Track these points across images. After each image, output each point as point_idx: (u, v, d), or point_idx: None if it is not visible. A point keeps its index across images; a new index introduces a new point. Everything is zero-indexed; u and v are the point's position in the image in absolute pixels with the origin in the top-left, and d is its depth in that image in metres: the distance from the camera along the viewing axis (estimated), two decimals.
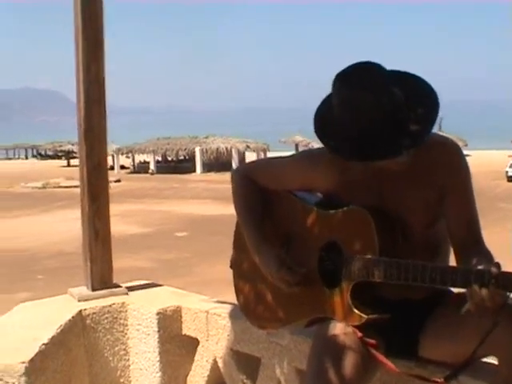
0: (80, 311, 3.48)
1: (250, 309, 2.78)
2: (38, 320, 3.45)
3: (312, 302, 2.51)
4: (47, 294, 13.06)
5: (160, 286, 3.95)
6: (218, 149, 55.41)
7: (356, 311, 2.33)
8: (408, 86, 2.28)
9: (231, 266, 2.98)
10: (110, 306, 3.56)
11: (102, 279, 3.62)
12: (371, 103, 2.20)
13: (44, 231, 26.70)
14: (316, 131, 2.39)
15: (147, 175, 53.79)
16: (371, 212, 2.33)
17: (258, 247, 2.63)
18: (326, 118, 2.37)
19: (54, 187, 46.09)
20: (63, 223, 28.62)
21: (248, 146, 56.84)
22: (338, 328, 2.42)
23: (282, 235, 2.66)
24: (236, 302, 2.89)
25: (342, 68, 2.30)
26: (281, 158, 2.77)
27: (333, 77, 2.30)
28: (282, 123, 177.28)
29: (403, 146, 2.21)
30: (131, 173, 56.82)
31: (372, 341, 2.37)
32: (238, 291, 2.86)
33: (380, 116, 2.19)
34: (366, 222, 2.32)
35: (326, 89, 2.38)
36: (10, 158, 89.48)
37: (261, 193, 2.72)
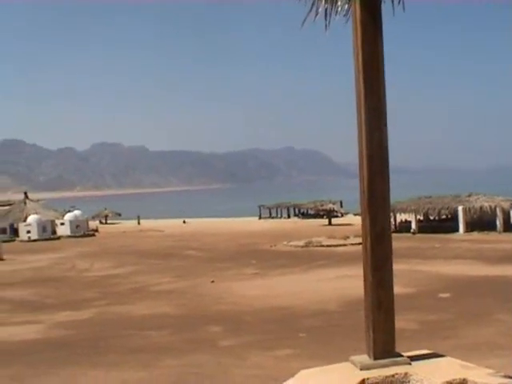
0: (363, 380, 3.44)
1: None
2: None
3: None
4: (309, 352, 13.25)
5: (443, 356, 3.81)
6: (481, 207, 53.68)
7: None
8: None
9: None
10: (393, 376, 3.48)
11: (385, 348, 3.56)
12: None
13: (305, 289, 27.22)
14: None
15: (409, 235, 53.23)
16: None
17: None
18: None
19: (316, 246, 47.03)
20: (324, 282, 29.06)
21: None
22: None
23: None
24: None
25: None
26: None
27: None
28: None
29: None
30: (393, 232, 56.53)
31: None
32: None
33: None
34: None
35: None
36: (272, 217, 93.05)
37: None
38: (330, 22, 4.67)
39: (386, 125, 3.62)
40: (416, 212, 56.91)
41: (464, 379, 3.37)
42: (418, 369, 3.59)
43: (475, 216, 54.12)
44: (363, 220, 3.68)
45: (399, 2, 5.23)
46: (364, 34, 3.84)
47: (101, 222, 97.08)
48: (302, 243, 48.50)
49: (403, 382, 3.51)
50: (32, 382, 14.97)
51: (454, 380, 3.37)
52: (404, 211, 57.20)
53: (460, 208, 54.25)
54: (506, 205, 53.79)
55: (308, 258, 39.58)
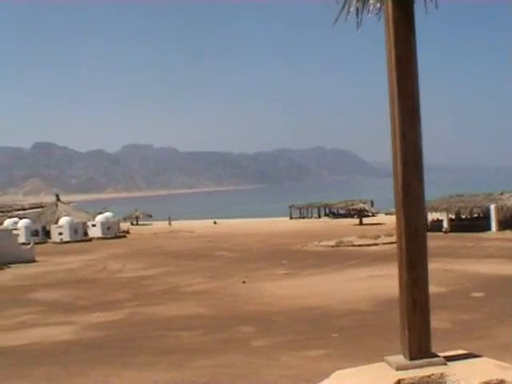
0: (398, 381, 3.41)
1: None
2: None
3: None
4: (342, 353, 13.18)
5: (479, 356, 3.76)
6: None
7: None
8: None
9: None
10: (429, 376, 3.44)
11: (420, 348, 3.52)
12: None
13: (337, 289, 27.16)
14: None
15: (440, 233, 52.82)
16: None
17: None
18: None
19: (347, 246, 46.88)
20: (355, 282, 28.96)
21: None
22: None
23: None
24: None
25: None
26: None
27: None
28: None
29: None
30: None
31: None
32: None
33: None
34: None
35: None
36: (303, 217, 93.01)
37: None
38: (361, 20, 4.66)
39: (420, 124, 3.59)
40: (448, 211, 56.47)
41: (502, 380, 3.31)
42: (454, 369, 3.54)
43: (508, 214, 53.56)
44: (397, 219, 3.64)
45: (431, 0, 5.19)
46: (396, 32, 3.80)
47: (132, 224, 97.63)
48: (332, 243, 48.38)
49: (439, 382, 3.47)
50: (66, 382, 15.10)
51: (491, 381, 3.31)
52: (435, 210, 56.79)
53: (492, 206, 53.72)
54: None
55: (339, 257, 39.47)
